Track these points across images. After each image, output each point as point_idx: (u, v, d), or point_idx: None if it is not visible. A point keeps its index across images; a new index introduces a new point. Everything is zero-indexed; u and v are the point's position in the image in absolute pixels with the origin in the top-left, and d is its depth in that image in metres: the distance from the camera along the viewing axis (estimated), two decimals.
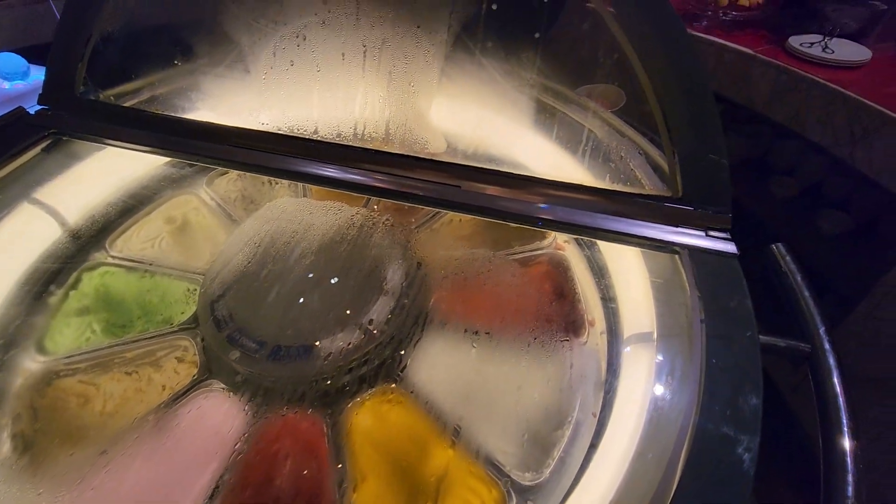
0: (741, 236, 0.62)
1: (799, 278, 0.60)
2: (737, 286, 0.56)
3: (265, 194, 0.88)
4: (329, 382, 0.59)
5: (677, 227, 0.61)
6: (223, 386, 0.61)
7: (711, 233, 0.61)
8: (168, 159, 0.83)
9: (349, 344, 0.58)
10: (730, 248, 0.59)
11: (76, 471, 0.53)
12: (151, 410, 0.59)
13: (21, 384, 0.63)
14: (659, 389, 0.54)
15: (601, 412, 0.59)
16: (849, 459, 0.47)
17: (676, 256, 0.61)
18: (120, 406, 0.63)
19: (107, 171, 0.80)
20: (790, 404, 1.32)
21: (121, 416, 0.62)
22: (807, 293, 0.59)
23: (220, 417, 0.58)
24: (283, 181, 0.89)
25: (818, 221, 1.26)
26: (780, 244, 0.64)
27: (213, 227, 0.82)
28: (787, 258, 0.63)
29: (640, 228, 0.62)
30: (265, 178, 0.90)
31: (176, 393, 0.61)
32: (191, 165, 0.86)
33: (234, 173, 0.91)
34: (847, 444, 0.48)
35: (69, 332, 0.68)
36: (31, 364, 0.65)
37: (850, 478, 0.46)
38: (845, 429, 0.47)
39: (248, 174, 0.90)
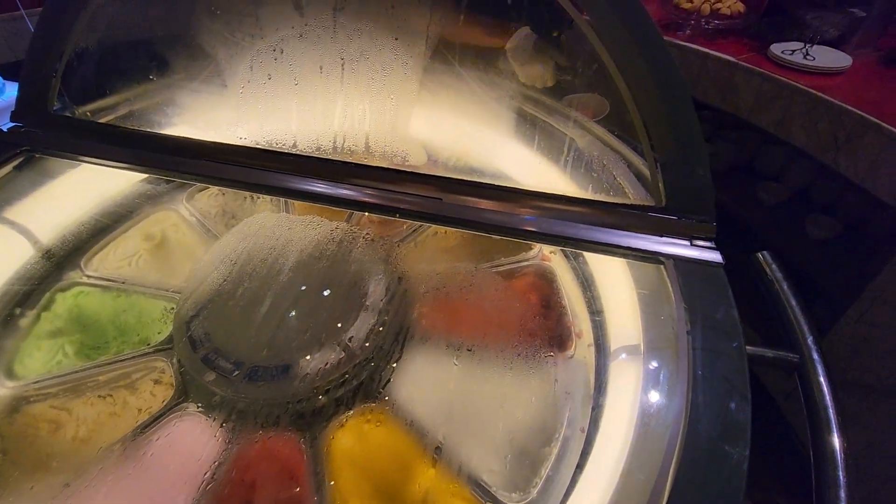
0: (729, 243, 0.61)
1: (786, 286, 0.59)
2: (722, 296, 0.55)
3: (247, 209, 0.86)
4: (308, 403, 0.57)
5: (661, 236, 0.60)
6: (199, 409, 0.59)
7: (696, 242, 0.60)
8: (145, 175, 0.82)
9: (328, 363, 0.57)
10: (715, 257, 0.58)
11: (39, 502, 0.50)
12: (121, 437, 0.57)
13: None
14: (646, 404, 0.53)
15: (589, 427, 0.57)
16: (840, 463, 0.46)
17: (661, 266, 0.60)
18: (94, 432, 0.60)
19: (81, 189, 0.79)
20: (784, 411, 1.31)
21: (94, 442, 0.59)
22: (794, 301, 0.58)
23: (194, 442, 0.56)
24: (266, 196, 0.88)
25: (806, 226, 1.26)
26: (765, 252, 0.64)
27: (193, 244, 0.81)
28: (773, 266, 0.62)
29: (624, 239, 0.61)
30: (246, 193, 0.88)
31: (150, 417, 0.59)
32: (168, 181, 0.84)
33: (214, 188, 0.89)
34: (837, 449, 0.46)
35: (40, 355, 0.66)
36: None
37: (841, 480, 0.45)
38: (835, 436, 0.45)
39: (228, 190, 0.89)
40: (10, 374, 0.64)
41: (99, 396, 0.63)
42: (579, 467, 0.55)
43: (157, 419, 0.58)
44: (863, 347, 1.07)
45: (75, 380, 0.63)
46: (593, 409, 0.58)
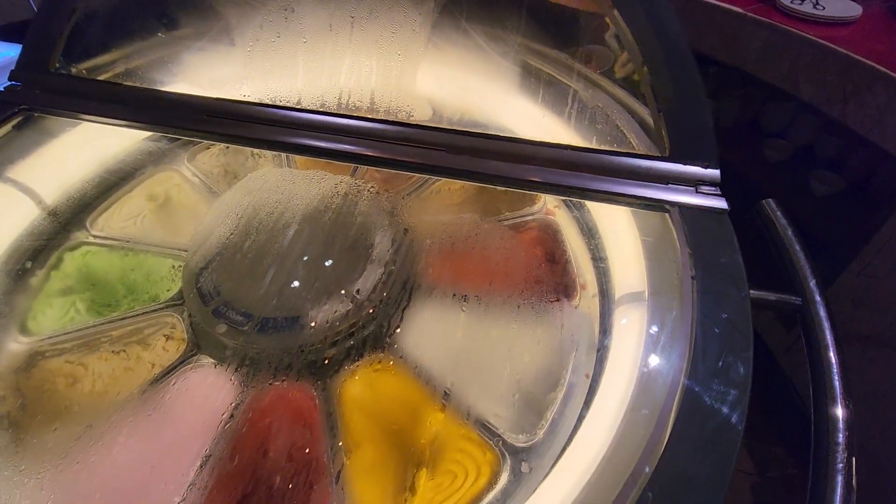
0: (733, 199, 0.61)
1: (790, 232, 0.60)
2: (727, 242, 0.56)
3: (249, 169, 0.86)
4: (317, 353, 0.58)
5: (667, 184, 0.60)
6: (212, 361, 0.60)
7: (701, 189, 0.60)
8: (147, 134, 0.81)
9: (337, 313, 0.57)
10: (720, 203, 0.58)
11: (61, 447, 0.52)
12: (138, 387, 0.58)
13: (5, 366, 0.62)
14: (650, 348, 0.54)
15: (594, 372, 0.58)
16: (839, 412, 0.47)
17: (667, 215, 0.60)
18: (109, 385, 0.62)
19: (82, 148, 0.78)
20: (783, 365, 1.34)
21: (109, 395, 0.61)
22: (797, 247, 0.58)
23: (209, 391, 0.57)
24: (267, 155, 0.87)
25: (810, 182, 1.26)
26: (770, 200, 0.64)
27: (197, 203, 0.81)
28: (778, 213, 0.62)
29: (629, 188, 0.61)
30: (248, 152, 0.88)
31: (164, 369, 0.60)
32: (171, 140, 0.83)
33: (216, 148, 0.88)
34: (838, 388, 0.47)
35: (52, 312, 0.67)
36: (14, 345, 0.64)
37: (840, 421, 0.46)
38: (836, 378, 0.46)
39: (230, 148, 0.88)
40: (25, 331, 0.65)
41: (113, 352, 0.65)
42: (584, 410, 0.56)
43: (171, 370, 0.59)
44: (864, 300, 1.08)
45: (89, 335, 0.65)
46: (598, 354, 0.59)
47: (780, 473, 1.18)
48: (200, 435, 0.53)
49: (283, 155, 0.85)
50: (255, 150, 0.88)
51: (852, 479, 0.44)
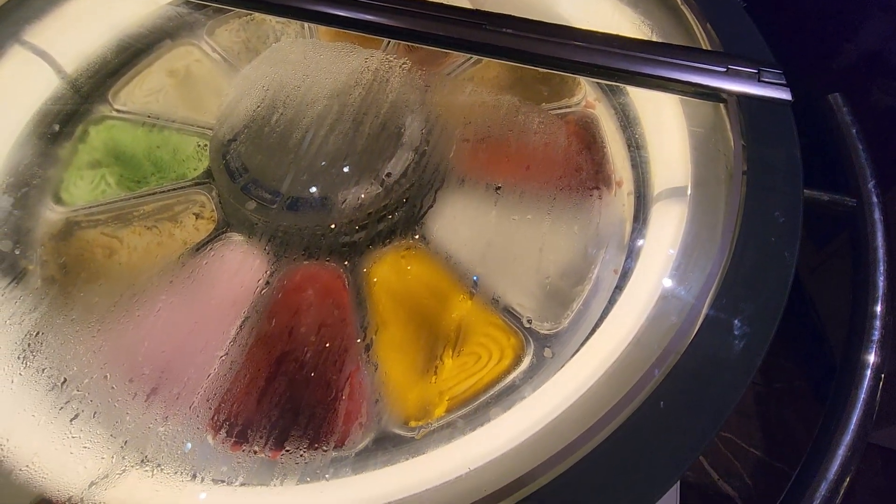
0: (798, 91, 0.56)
1: (854, 131, 0.55)
2: (787, 137, 0.52)
3: (270, 45, 0.81)
4: (346, 234, 0.58)
5: (726, 70, 0.55)
6: (242, 238, 0.61)
7: (764, 77, 0.54)
8: (167, 1, 0.76)
9: (366, 195, 0.56)
10: (783, 94, 0.54)
11: (107, 301, 0.55)
12: (174, 259, 0.59)
13: (44, 232, 0.64)
14: (687, 244, 0.52)
15: (624, 267, 0.58)
16: (877, 327, 0.46)
17: (722, 105, 0.55)
18: (144, 257, 0.64)
19: (99, 11, 0.74)
20: (806, 286, 1.32)
21: (144, 267, 0.63)
22: (860, 146, 0.54)
23: (241, 265, 0.59)
24: (290, 31, 0.82)
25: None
26: (837, 94, 0.58)
27: (219, 80, 0.77)
28: (844, 109, 0.57)
29: (684, 73, 0.56)
30: (270, 27, 0.82)
31: (197, 244, 0.61)
32: (192, 7, 0.78)
33: (235, 23, 0.83)
34: (879, 298, 0.46)
35: (83, 184, 0.67)
36: (50, 214, 0.65)
37: (874, 342, 0.45)
38: (881, 278, 0.45)
39: (252, 22, 0.83)
40: (59, 201, 0.66)
41: (146, 227, 0.66)
42: (610, 304, 0.56)
43: (204, 245, 0.60)
44: None
45: (121, 208, 0.65)
46: (629, 249, 0.58)
47: (787, 385, 1.22)
48: (237, 299, 0.55)
49: (307, 28, 0.79)
50: (277, 25, 0.82)
51: (878, 392, 0.43)
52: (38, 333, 0.52)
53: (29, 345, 0.52)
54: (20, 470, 0.42)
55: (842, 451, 0.41)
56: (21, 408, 0.48)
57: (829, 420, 0.43)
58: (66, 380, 0.49)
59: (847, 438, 0.41)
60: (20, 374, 0.50)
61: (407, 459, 0.47)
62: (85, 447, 0.45)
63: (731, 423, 1.15)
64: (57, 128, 0.69)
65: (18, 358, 0.51)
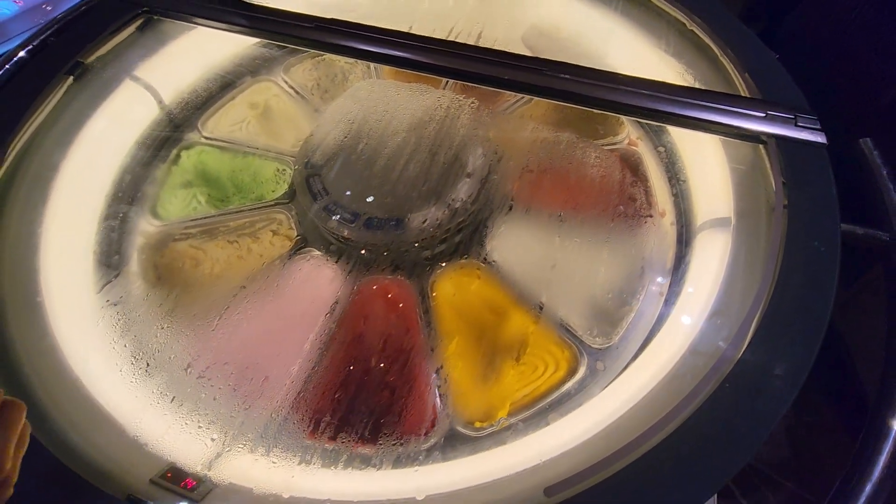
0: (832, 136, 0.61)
1: (885, 171, 0.60)
2: (823, 175, 0.57)
3: (338, 82, 0.90)
4: (416, 252, 0.64)
5: (765, 114, 0.61)
6: (319, 253, 0.68)
7: (801, 122, 0.60)
8: (251, 42, 0.85)
9: (437, 217, 0.63)
10: (819, 138, 0.59)
11: (200, 307, 0.61)
12: (260, 269, 0.66)
13: (142, 243, 0.71)
14: (732, 269, 0.57)
15: (670, 290, 0.63)
16: None
17: (761, 147, 0.61)
18: (228, 268, 0.70)
19: (192, 54, 0.83)
20: (837, 322, 1.34)
21: (225, 279, 0.69)
22: (891, 185, 0.59)
23: (320, 276, 0.65)
24: (357, 71, 0.90)
25: None
26: (868, 139, 0.64)
27: (294, 113, 0.86)
28: (875, 153, 0.62)
29: (726, 117, 0.62)
30: (339, 67, 0.91)
31: (279, 257, 0.68)
32: (277, 47, 0.87)
33: (308, 63, 0.92)
34: None
35: (177, 201, 0.75)
36: (147, 227, 0.73)
37: None
38: None
39: (322, 62, 0.92)
40: (156, 215, 0.74)
41: (228, 241, 0.73)
42: (658, 323, 0.61)
43: (287, 258, 0.67)
44: None
45: (210, 223, 0.73)
46: (675, 273, 0.63)
47: (817, 418, 1.22)
48: (315, 310, 0.61)
49: (373, 68, 0.88)
50: (346, 66, 0.91)
51: None
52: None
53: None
54: (154, 442, 0.48)
55: (868, 489, 0.43)
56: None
57: (859, 457, 0.45)
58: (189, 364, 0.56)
59: (875, 475, 0.44)
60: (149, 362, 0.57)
61: (474, 454, 0.52)
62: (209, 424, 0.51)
63: (762, 453, 1.15)
64: (155, 152, 0.78)
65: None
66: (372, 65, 0.89)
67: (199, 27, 0.79)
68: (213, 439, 0.50)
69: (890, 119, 0.84)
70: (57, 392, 0.51)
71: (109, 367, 0.56)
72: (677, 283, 0.63)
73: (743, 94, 0.65)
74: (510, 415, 0.57)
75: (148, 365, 0.56)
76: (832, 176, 0.57)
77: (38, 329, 0.56)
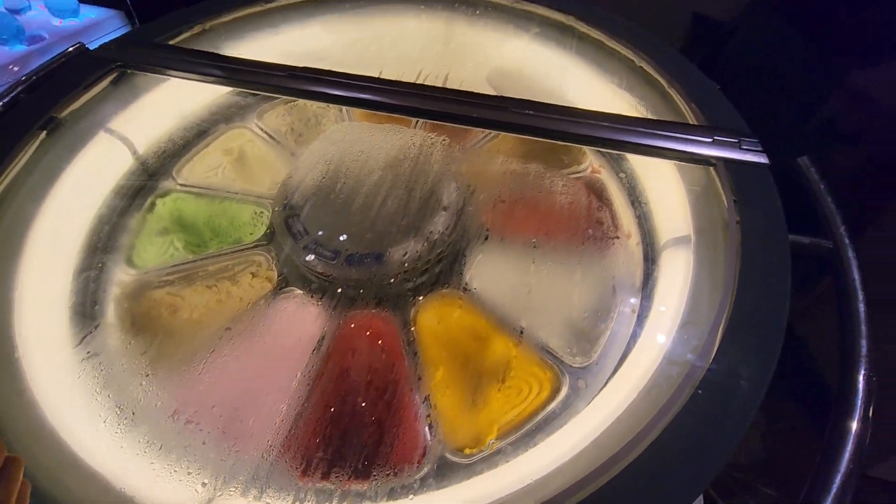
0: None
1: (822, 186, 0.66)
2: (768, 192, 0.62)
3: (312, 127, 0.93)
4: (397, 286, 0.66)
5: (712, 139, 0.66)
6: (301, 292, 0.68)
7: (744, 146, 0.66)
8: (224, 91, 0.88)
9: (416, 250, 0.65)
10: (761, 158, 0.65)
11: (179, 356, 0.61)
12: (244, 310, 0.66)
13: (118, 293, 0.71)
14: (696, 285, 0.61)
15: (641, 307, 0.66)
16: (864, 346, 0.54)
17: (711, 168, 0.66)
18: (205, 315, 0.70)
19: (164, 105, 0.85)
20: (797, 330, 1.40)
21: (207, 323, 0.69)
22: (829, 199, 0.65)
23: (303, 316, 0.66)
24: (329, 115, 0.94)
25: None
26: (805, 157, 0.70)
27: (269, 157, 0.88)
28: (812, 169, 0.68)
29: (677, 144, 0.68)
30: (311, 111, 0.94)
31: (261, 297, 0.68)
32: (250, 95, 0.90)
33: (282, 108, 0.95)
34: (862, 318, 0.55)
35: (153, 249, 0.75)
36: (123, 276, 0.72)
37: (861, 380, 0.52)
38: (862, 325, 0.53)
39: (295, 108, 0.95)
40: (131, 264, 0.73)
41: (207, 286, 0.73)
42: (633, 339, 0.64)
43: (271, 297, 0.67)
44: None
45: (188, 269, 0.73)
46: (644, 290, 0.67)
47: (789, 423, 1.26)
48: (301, 348, 0.62)
49: (345, 111, 0.92)
50: (317, 110, 0.94)
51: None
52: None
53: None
54: (143, 492, 0.47)
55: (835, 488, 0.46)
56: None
57: (825, 457, 0.48)
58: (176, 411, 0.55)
59: (840, 474, 0.46)
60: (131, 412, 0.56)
61: (468, 479, 0.53)
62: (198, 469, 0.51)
63: (738, 460, 1.18)
64: (130, 201, 0.78)
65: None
66: (344, 108, 0.92)
67: (173, 78, 0.82)
68: (203, 484, 0.49)
69: (822, 138, 0.93)
70: (37, 450, 0.50)
71: (92, 420, 0.55)
72: (647, 299, 0.67)
73: (691, 122, 0.71)
74: (499, 437, 0.58)
75: (133, 414, 0.55)
76: (776, 192, 0.62)
77: (16, 386, 0.54)
